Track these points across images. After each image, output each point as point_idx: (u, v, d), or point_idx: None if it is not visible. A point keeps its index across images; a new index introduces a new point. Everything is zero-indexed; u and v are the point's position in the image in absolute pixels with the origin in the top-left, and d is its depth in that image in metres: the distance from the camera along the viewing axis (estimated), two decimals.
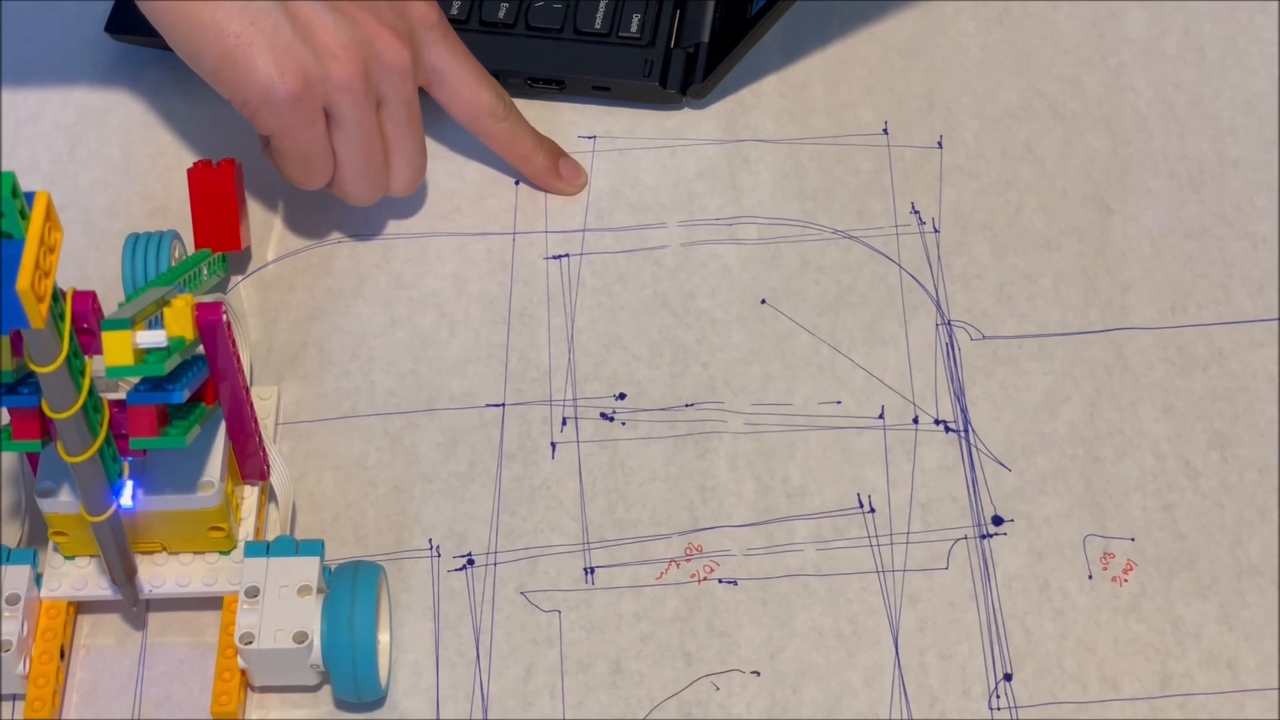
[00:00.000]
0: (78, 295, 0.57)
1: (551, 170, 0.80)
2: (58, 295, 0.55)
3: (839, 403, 0.74)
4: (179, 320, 0.60)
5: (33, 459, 0.67)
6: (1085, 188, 0.81)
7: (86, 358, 0.58)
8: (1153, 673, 0.67)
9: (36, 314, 0.53)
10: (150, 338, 0.58)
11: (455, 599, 0.70)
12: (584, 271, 0.79)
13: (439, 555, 0.71)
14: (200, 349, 0.64)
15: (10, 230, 0.52)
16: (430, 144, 0.81)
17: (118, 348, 0.57)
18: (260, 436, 0.68)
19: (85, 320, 0.57)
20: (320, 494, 0.73)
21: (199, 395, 0.64)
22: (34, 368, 0.55)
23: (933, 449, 0.73)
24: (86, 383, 0.57)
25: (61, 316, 0.55)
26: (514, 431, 0.74)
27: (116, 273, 0.73)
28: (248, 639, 0.65)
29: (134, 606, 0.67)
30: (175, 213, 0.80)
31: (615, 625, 0.69)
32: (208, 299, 0.62)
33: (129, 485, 0.64)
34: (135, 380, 0.61)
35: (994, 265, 0.78)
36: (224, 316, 0.62)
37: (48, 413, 0.57)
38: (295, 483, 0.72)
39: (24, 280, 0.52)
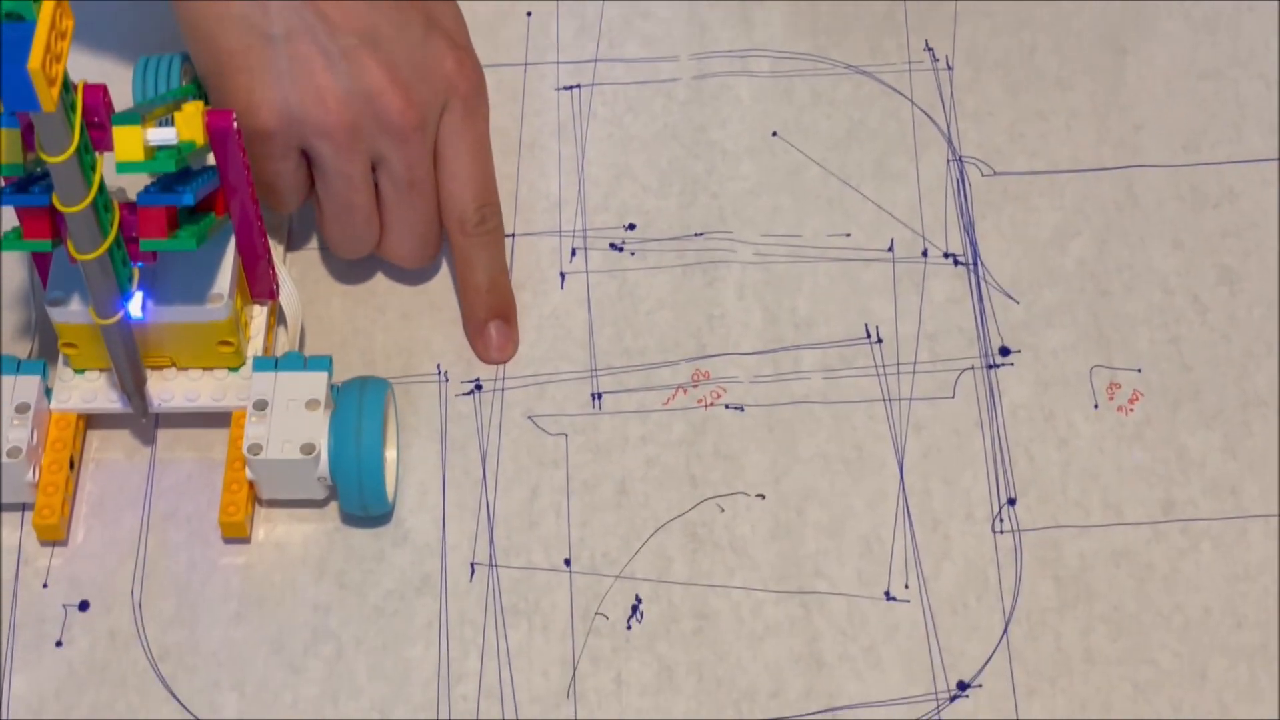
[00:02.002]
0: (88, 88, 0.57)
1: (482, 322, 0.71)
2: (69, 85, 0.55)
3: (848, 235, 0.74)
4: (190, 124, 0.61)
5: (43, 272, 0.67)
6: (1100, 28, 0.80)
7: (97, 154, 0.58)
8: (1156, 499, 0.68)
9: (47, 96, 0.52)
10: (161, 135, 0.59)
11: (462, 422, 0.70)
12: (595, 103, 0.78)
13: (447, 380, 0.71)
14: (211, 159, 0.64)
15: (21, 12, 0.52)
16: None
17: (128, 143, 0.57)
18: (270, 255, 0.68)
19: (96, 114, 0.57)
20: (329, 318, 0.73)
21: (210, 205, 0.64)
22: (45, 157, 0.55)
23: (941, 281, 0.73)
24: (97, 178, 0.57)
25: (72, 107, 0.55)
26: (523, 261, 0.74)
27: (129, 101, 0.72)
28: (256, 450, 0.65)
29: (143, 419, 0.67)
30: None
31: (622, 448, 0.69)
32: None
33: (138, 295, 0.64)
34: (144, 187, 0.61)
35: (1007, 103, 0.78)
36: (235, 124, 0.62)
37: (58, 207, 0.57)
38: (304, 307, 0.72)
39: (35, 60, 0.51)
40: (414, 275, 0.74)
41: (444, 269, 0.74)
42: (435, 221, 0.70)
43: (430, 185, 0.69)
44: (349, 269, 0.74)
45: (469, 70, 0.69)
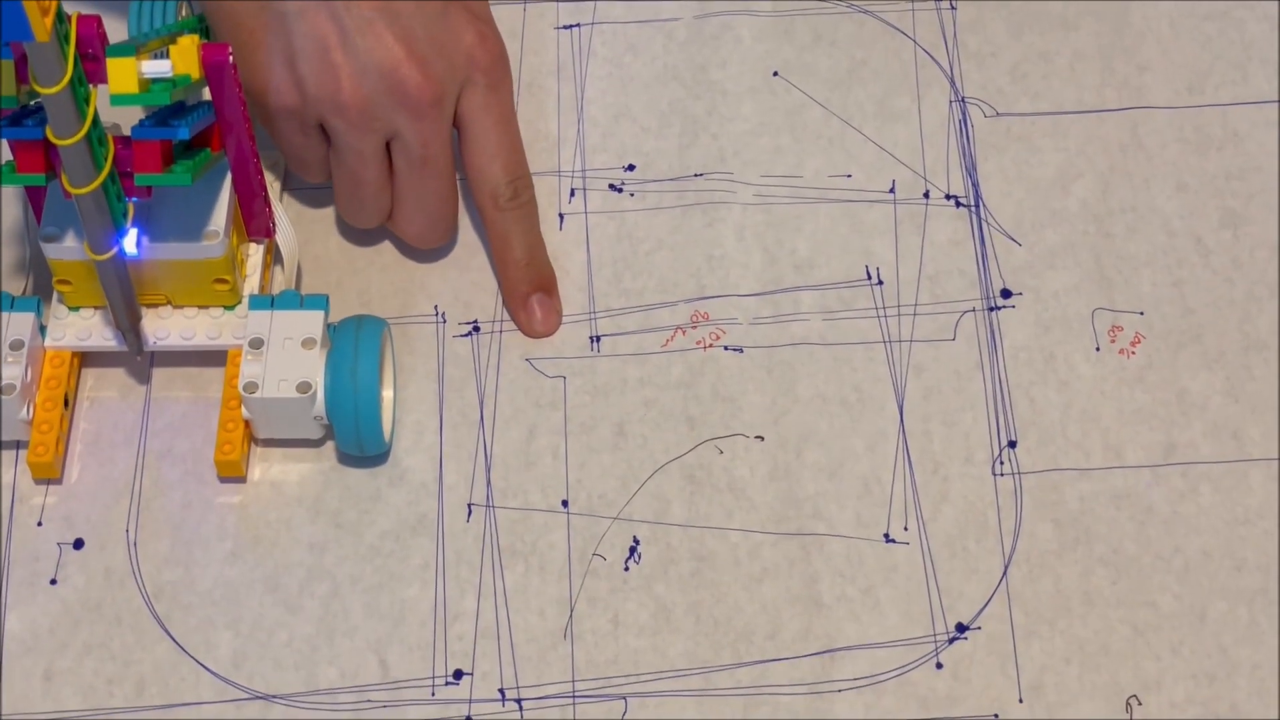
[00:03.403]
0: (82, 19, 0.56)
1: (523, 295, 0.70)
2: (62, 15, 0.54)
3: (849, 176, 0.74)
4: (185, 58, 0.59)
5: (37, 207, 0.66)
6: None
7: (91, 86, 0.57)
8: (1157, 442, 0.67)
9: (40, 25, 0.52)
10: (156, 67, 0.58)
11: (460, 363, 0.70)
12: (594, 42, 0.78)
13: (444, 321, 0.71)
14: (206, 95, 0.63)
15: None
16: None
17: (122, 75, 0.56)
18: (266, 192, 0.68)
19: (90, 45, 0.56)
20: (326, 258, 0.72)
21: (205, 141, 0.64)
22: (38, 89, 0.55)
23: (943, 223, 0.72)
24: (91, 110, 0.56)
25: (66, 38, 0.55)
26: None
27: (124, 36, 0.72)
28: (251, 388, 0.64)
29: (138, 356, 0.67)
30: None
31: (620, 390, 0.69)
32: None
33: (133, 232, 0.63)
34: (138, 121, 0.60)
35: (1010, 43, 0.77)
36: (230, 58, 0.61)
37: (52, 140, 0.56)
38: (300, 246, 0.71)
39: None
40: None
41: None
42: (449, 201, 0.70)
43: (445, 163, 0.68)
44: None
45: (490, 44, 0.67)
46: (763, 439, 0.68)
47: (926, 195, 0.73)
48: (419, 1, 0.65)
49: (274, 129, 0.68)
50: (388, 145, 0.67)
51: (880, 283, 0.71)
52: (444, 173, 0.68)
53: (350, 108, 0.65)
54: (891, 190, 0.73)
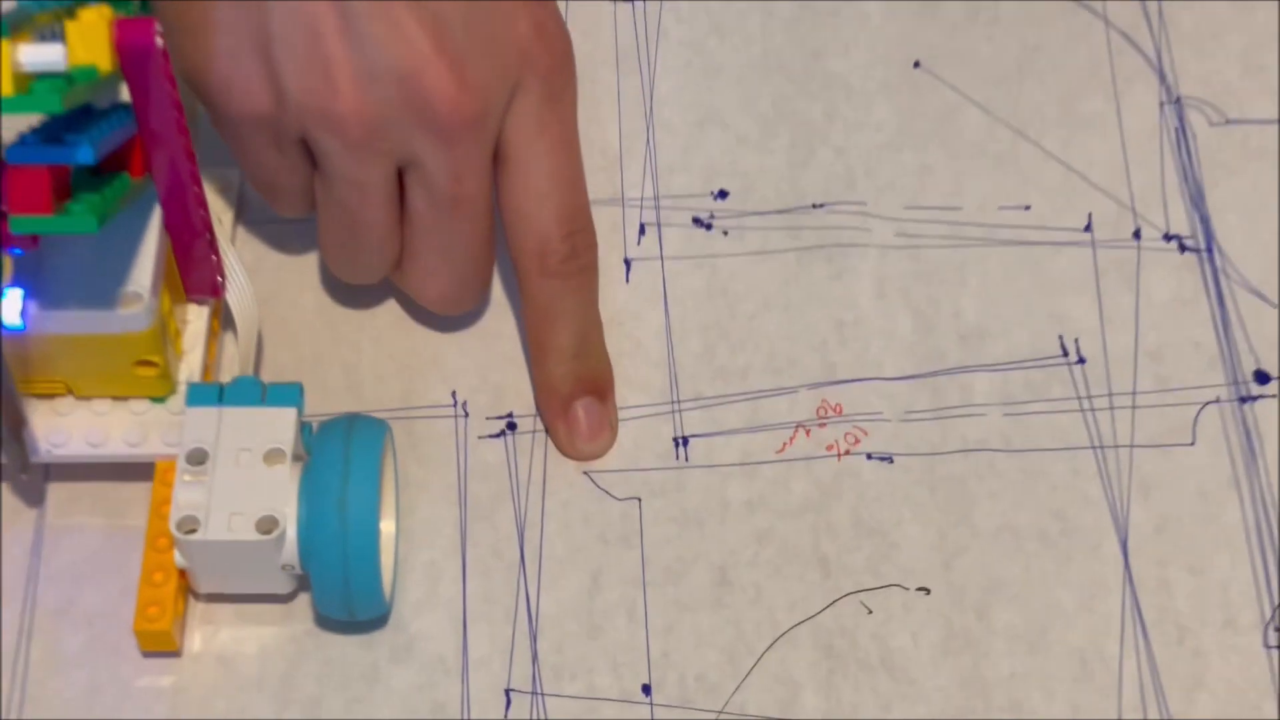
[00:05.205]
0: None
1: (565, 399, 0.57)
2: None
3: (1027, 208, 0.62)
4: (89, 39, 0.46)
5: None
6: None
7: None
8: None
9: None
10: (42, 54, 0.44)
11: (490, 476, 0.57)
12: (666, 20, 0.66)
13: (466, 415, 0.58)
14: (123, 93, 0.49)
15: None
16: None
17: None
18: (212, 233, 0.54)
19: None
20: (298, 322, 0.60)
21: (121, 162, 0.51)
22: None
23: (1163, 275, 0.60)
24: None
25: None
26: None
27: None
28: (188, 526, 0.51)
29: (23, 474, 0.54)
30: None
31: (719, 519, 0.56)
32: None
33: (15, 294, 0.51)
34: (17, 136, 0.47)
35: (1237, 22, 0.66)
36: (158, 40, 0.46)
37: None
38: (263, 305, 0.58)
39: None
40: None
41: None
42: (484, 254, 0.57)
43: (483, 203, 0.55)
44: None
45: (553, 38, 0.55)
46: (928, 591, 0.54)
47: (1137, 235, 0.61)
48: None
49: (236, 141, 0.54)
50: (400, 172, 0.54)
51: (1082, 360, 0.58)
52: (479, 215, 0.54)
53: (350, 122, 0.51)
54: (1087, 228, 0.61)
